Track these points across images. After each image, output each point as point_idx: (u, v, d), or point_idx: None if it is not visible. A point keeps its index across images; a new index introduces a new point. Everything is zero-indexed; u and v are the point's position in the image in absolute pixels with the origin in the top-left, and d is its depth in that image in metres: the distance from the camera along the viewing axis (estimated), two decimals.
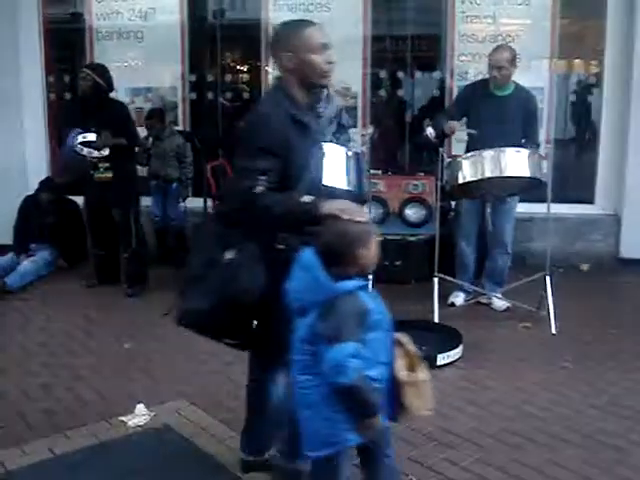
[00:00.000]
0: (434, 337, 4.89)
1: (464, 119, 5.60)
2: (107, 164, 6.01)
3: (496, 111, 5.41)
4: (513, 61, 5.40)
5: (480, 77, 5.76)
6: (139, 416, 3.86)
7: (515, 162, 5.02)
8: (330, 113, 5.52)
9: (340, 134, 5.46)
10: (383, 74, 7.38)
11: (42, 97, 7.68)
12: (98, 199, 6.22)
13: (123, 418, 3.85)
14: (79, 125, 5.92)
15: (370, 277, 5.35)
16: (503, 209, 5.60)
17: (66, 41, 7.90)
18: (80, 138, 5.85)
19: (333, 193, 5.04)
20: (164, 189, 7.02)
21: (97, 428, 3.78)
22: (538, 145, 5.65)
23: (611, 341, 5.05)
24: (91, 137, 5.86)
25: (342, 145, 5.15)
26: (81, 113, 6.10)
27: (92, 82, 5.97)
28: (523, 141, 5.47)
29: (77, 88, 6.18)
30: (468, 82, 6.56)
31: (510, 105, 5.44)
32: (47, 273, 6.68)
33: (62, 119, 6.36)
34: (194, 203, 6.86)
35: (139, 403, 3.98)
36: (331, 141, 5.25)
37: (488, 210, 5.71)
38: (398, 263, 6.42)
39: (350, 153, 4.97)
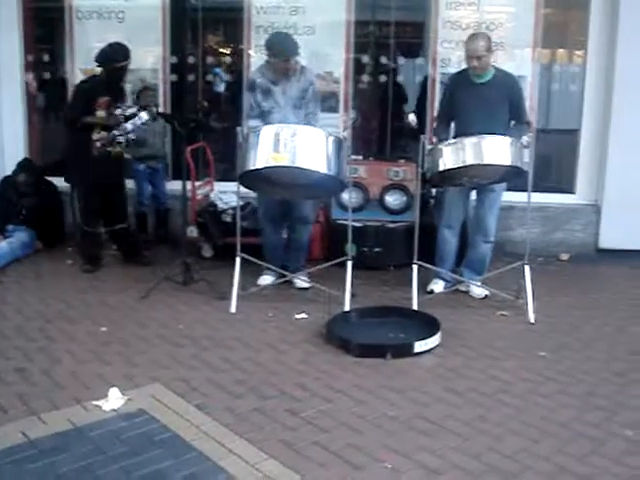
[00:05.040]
0: (412, 324, 4.91)
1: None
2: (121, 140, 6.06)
3: (478, 99, 5.40)
4: (490, 48, 5.36)
5: (463, 64, 5.74)
6: (114, 400, 3.84)
7: (496, 150, 5.03)
8: (300, 85, 5.63)
9: (301, 107, 5.55)
10: (366, 59, 7.34)
11: (20, 77, 7.56)
12: (111, 175, 6.21)
13: (98, 402, 3.82)
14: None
15: (349, 263, 5.42)
16: (489, 198, 5.60)
17: (45, 20, 7.77)
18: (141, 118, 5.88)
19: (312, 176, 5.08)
20: (152, 170, 6.98)
21: (72, 412, 3.75)
22: (529, 123, 5.66)
23: (588, 331, 5.07)
24: (145, 116, 5.88)
25: (307, 122, 5.28)
26: (108, 89, 6.10)
27: None
28: (512, 123, 5.51)
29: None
30: (450, 69, 6.56)
31: (491, 91, 5.42)
32: (24, 255, 6.59)
33: (89, 94, 6.12)
34: (173, 186, 6.83)
35: (112, 387, 3.95)
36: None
37: (473, 198, 5.74)
38: (377, 249, 6.41)
39: (331, 138, 5.01)
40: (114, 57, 6.04)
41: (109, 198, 6.35)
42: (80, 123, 6.02)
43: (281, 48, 5.45)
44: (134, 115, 5.86)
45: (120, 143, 6.01)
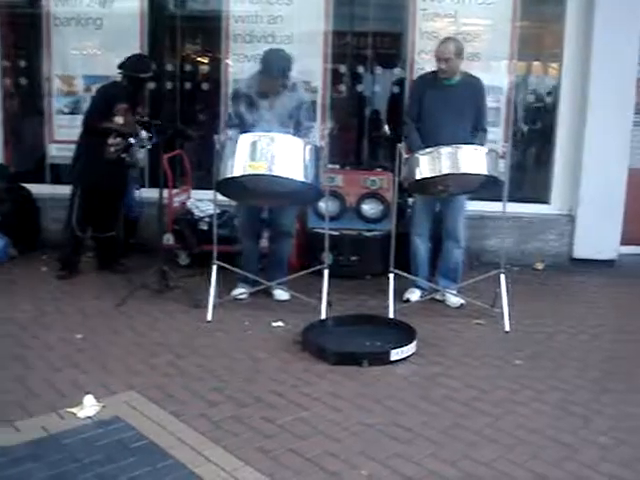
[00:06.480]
0: (388, 332, 4.92)
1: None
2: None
3: (444, 100, 5.49)
4: (459, 53, 5.46)
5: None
6: (88, 407, 3.81)
7: (473, 159, 5.07)
8: (290, 102, 5.52)
9: (297, 130, 5.47)
10: (343, 69, 7.37)
11: None
12: (116, 181, 6.25)
13: (73, 410, 3.80)
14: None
15: (326, 271, 5.43)
16: (453, 204, 5.64)
17: (23, 27, 7.73)
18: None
19: (289, 184, 5.08)
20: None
21: (46, 420, 3.72)
22: (485, 130, 5.71)
23: (563, 340, 5.11)
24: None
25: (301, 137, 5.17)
26: (128, 97, 6.12)
27: None
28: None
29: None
30: None
31: (457, 93, 5.51)
32: None
33: (109, 99, 6.11)
34: (149, 193, 6.81)
35: (87, 394, 3.92)
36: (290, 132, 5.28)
37: (438, 206, 5.78)
38: (354, 258, 6.42)
39: (309, 146, 5.01)
40: (139, 68, 6.11)
41: (106, 204, 6.32)
42: (97, 127, 6.03)
43: (269, 66, 5.36)
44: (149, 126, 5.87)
45: (132, 151, 5.94)
